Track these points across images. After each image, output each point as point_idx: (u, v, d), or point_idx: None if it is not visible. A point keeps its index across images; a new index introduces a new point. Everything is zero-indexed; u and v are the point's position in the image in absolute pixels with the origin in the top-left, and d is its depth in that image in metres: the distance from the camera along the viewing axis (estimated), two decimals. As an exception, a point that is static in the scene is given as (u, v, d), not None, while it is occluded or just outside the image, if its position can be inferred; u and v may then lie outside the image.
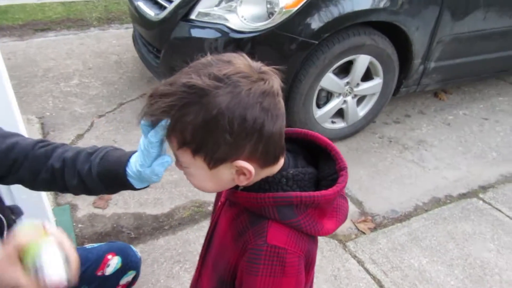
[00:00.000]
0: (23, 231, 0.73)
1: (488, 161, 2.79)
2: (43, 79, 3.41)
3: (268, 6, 2.27)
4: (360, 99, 2.82)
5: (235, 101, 0.63)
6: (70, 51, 3.90)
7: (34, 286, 0.70)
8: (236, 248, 0.77)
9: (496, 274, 1.97)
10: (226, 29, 2.32)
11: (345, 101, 2.71)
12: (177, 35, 2.48)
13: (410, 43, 2.62)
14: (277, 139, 0.69)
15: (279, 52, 2.36)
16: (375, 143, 2.91)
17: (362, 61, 2.56)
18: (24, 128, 1.57)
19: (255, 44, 2.31)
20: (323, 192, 0.73)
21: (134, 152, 0.88)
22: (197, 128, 0.65)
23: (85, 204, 2.23)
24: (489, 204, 2.41)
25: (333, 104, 2.68)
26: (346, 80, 2.62)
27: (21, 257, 0.71)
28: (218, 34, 2.34)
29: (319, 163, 0.82)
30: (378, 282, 1.91)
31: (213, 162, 0.69)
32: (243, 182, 0.72)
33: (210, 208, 2.25)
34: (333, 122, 2.82)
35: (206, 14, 2.38)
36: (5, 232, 1.03)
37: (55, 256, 0.72)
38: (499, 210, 2.36)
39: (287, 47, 2.33)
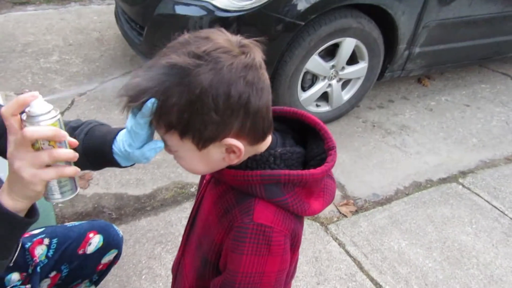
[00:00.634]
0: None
1: (469, 147, 2.84)
2: (21, 54, 3.31)
3: (255, -15, 2.23)
4: (345, 83, 2.81)
5: (218, 78, 0.61)
6: (50, 26, 3.79)
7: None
8: (221, 227, 0.76)
9: (473, 257, 2.02)
10: (211, 7, 2.27)
11: (330, 85, 2.70)
12: (161, 11, 2.42)
13: (396, 27, 2.61)
14: (264, 114, 0.68)
15: (265, 32, 2.32)
16: (359, 127, 2.92)
17: (348, 44, 2.55)
18: (2, 104, 1.52)
19: (241, 24, 2.27)
20: (312, 171, 0.72)
21: (120, 129, 0.84)
22: (182, 109, 0.63)
23: (65, 183, 2.19)
24: (468, 189, 2.45)
25: (318, 87, 2.67)
26: (331, 63, 2.61)
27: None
28: (203, 12, 2.29)
29: (307, 142, 0.81)
30: (359, 264, 1.94)
31: (202, 142, 0.67)
32: (233, 160, 0.71)
33: (193, 190, 2.24)
34: (317, 106, 2.81)
35: (192, -9, 2.33)
36: None
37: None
38: (478, 195, 2.41)
39: (273, 27, 2.31)
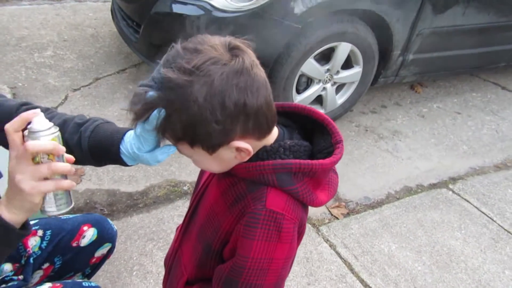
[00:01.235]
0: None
1: (459, 154, 2.87)
2: (16, 48, 3.29)
3: (254, -14, 2.25)
4: (339, 87, 2.84)
5: (211, 91, 0.63)
6: (44, 21, 3.77)
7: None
8: (231, 214, 0.77)
9: (461, 261, 2.04)
10: (209, 7, 2.28)
11: (324, 88, 2.72)
12: (158, 10, 2.42)
13: (390, 33, 2.64)
14: (265, 110, 0.69)
15: (262, 34, 2.34)
16: (352, 131, 2.95)
17: (343, 49, 2.57)
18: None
19: (238, 25, 2.28)
20: (321, 161, 0.75)
21: (128, 129, 0.87)
22: (185, 125, 0.66)
23: (57, 178, 2.17)
24: (458, 194, 2.48)
25: (313, 90, 2.69)
26: (326, 67, 2.63)
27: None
28: (201, 12, 2.30)
29: (314, 137, 0.83)
30: (349, 265, 1.95)
31: (211, 149, 0.70)
32: (245, 158, 0.74)
33: (186, 188, 2.24)
34: (311, 108, 2.82)
35: (190, -10, 2.34)
36: None
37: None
38: (467, 201, 2.44)
39: (270, 29, 2.32)
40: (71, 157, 0.77)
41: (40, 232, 1.22)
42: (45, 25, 3.70)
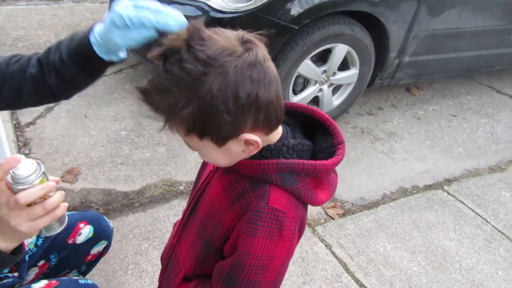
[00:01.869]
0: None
1: (454, 156, 2.89)
2: (12, 48, 3.28)
3: (251, -13, 2.26)
4: (336, 89, 2.85)
5: (225, 82, 0.63)
6: (41, 21, 3.77)
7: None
8: (232, 211, 0.78)
9: (456, 262, 2.05)
10: (206, 8, 2.29)
11: (321, 89, 2.73)
12: (156, 10, 2.42)
13: (387, 36, 2.66)
14: (275, 104, 0.70)
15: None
16: (348, 133, 2.96)
17: (340, 50, 2.59)
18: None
19: (235, 25, 2.28)
20: (324, 162, 0.76)
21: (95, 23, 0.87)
22: (196, 116, 0.66)
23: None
24: (453, 196, 2.50)
25: (309, 92, 2.70)
26: (323, 68, 2.65)
27: None
28: (198, 12, 2.31)
29: (315, 137, 0.84)
30: (344, 265, 1.96)
31: (220, 141, 0.70)
32: (253, 151, 0.74)
33: (182, 187, 2.24)
34: (307, 110, 2.84)
35: (187, -9, 2.35)
36: None
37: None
38: (462, 202, 2.45)
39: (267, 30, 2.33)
40: (57, 179, 0.78)
41: (36, 229, 1.22)
42: (42, 26, 3.70)
